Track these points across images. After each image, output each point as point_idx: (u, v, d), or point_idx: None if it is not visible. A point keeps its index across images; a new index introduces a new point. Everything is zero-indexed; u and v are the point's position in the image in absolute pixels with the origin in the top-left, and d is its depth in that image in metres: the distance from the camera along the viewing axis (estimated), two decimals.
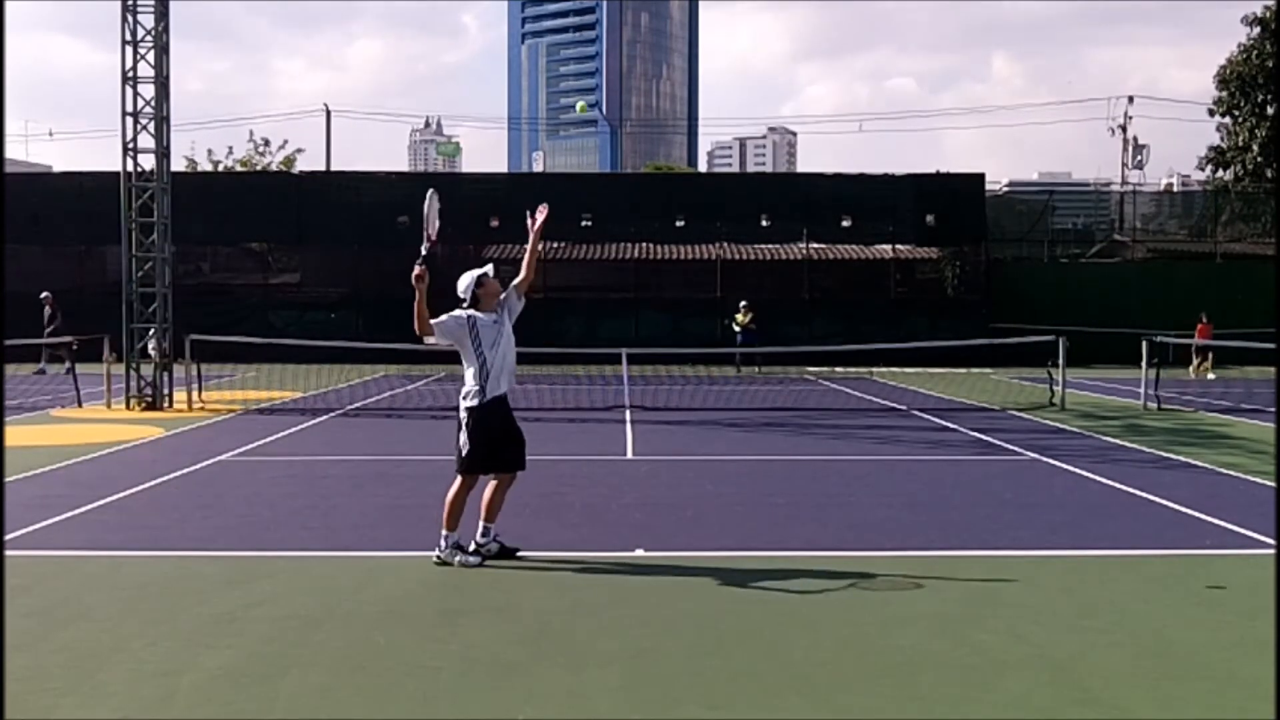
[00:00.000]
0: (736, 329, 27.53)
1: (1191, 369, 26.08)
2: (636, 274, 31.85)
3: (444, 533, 7.18)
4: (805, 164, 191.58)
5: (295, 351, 23.80)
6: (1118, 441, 13.72)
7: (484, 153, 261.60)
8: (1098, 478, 10.79)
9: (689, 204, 33.08)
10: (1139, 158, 55.46)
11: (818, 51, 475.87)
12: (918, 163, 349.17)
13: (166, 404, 17.58)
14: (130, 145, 17.46)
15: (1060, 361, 18.62)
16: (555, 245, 32.38)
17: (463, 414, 7.15)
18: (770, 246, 32.65)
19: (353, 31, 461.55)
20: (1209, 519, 8.77)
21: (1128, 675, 5.15)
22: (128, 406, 17.14)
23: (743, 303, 27.65)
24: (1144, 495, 9.83)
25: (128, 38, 17.19)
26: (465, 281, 7.33)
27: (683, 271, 32.39)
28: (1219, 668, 5.29)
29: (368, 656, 5.36)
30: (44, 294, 25.39)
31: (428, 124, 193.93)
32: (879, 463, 12.17)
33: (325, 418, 16.25)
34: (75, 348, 18.13)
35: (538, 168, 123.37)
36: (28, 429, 14.60)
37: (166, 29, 17.26)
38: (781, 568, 7.19)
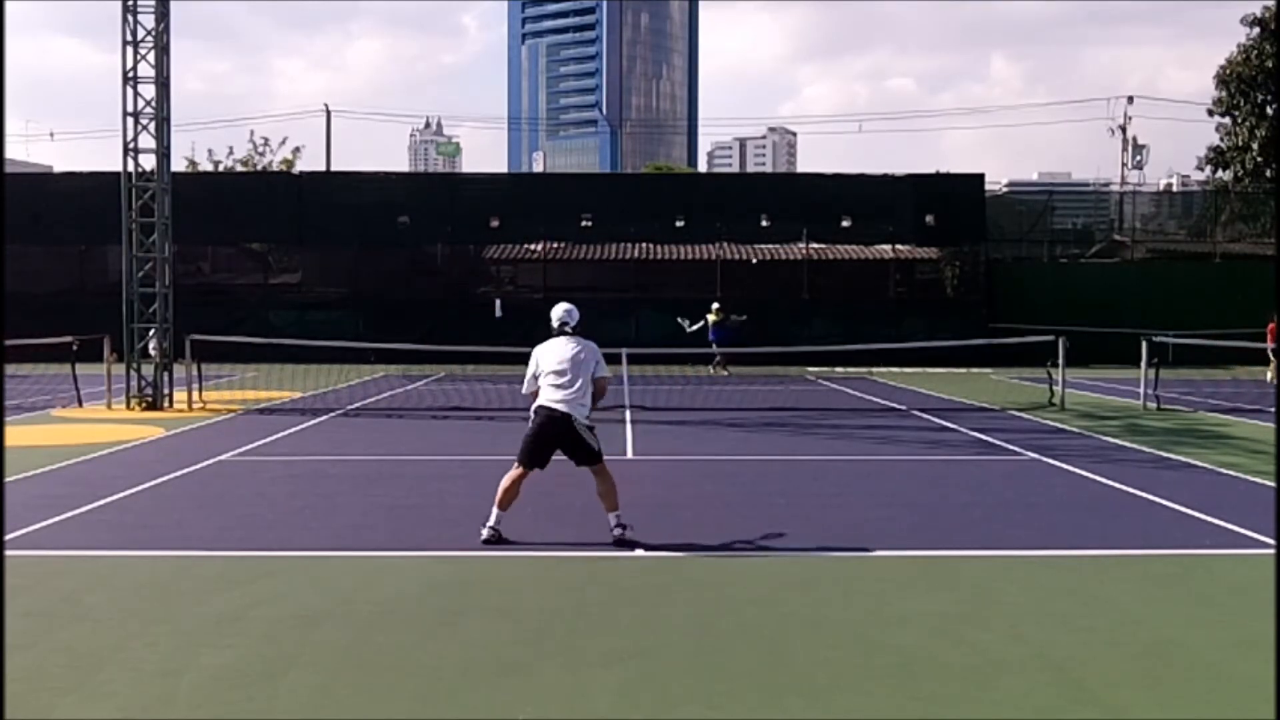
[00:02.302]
0: (711, 322, 26.81)
1: (1269, 372, 25.51)
2: (636, 274, 31.87)
3: None
4: (805, 164, 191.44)
5: (295, 351, 23.80)
6: (1118, 441, 13.73)
7: (484, 153, 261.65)
8: (1098, 478, 10.79)
9: (689, 204, 33.08)
10: (1138, 158, 55.49)
11: (817, 52, 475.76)
12: (917, 163, 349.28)
13: (167, 404, 17.58)
14: (131, 145, 17.46)
15: (1060, 361, 18.62)
16: (555, 245, 32.41)
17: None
18: (770, 246, 32.66)
19: (352, 32, 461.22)
20: (1209, 519, 8.77)
21: (1128, 675, 5.15)
22: (128, 406, 17.14)
23: (714, 304, 27.44)
24: (1144, 495, 9.83)
25: (128, 38, 17.20)
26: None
27: (683, 271, 32.40)
28: (1219, 668, 5.29)
29: (368, 656, 5.36)
30: None
31: (428, 124, 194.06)
32: (879, 463, 12.17)
33: (325, 418, 16.25)
34: (76, 348, 18.12)
35: (538, 168, 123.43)
36: (28, 429, 14.61)
37: (167, 29, 17.26)
38: (782, 568, 7.19)
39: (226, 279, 32.44)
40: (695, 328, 26.76)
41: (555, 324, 8.24)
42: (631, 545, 7.59)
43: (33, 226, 29.58)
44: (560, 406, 7.77)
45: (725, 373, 26.68)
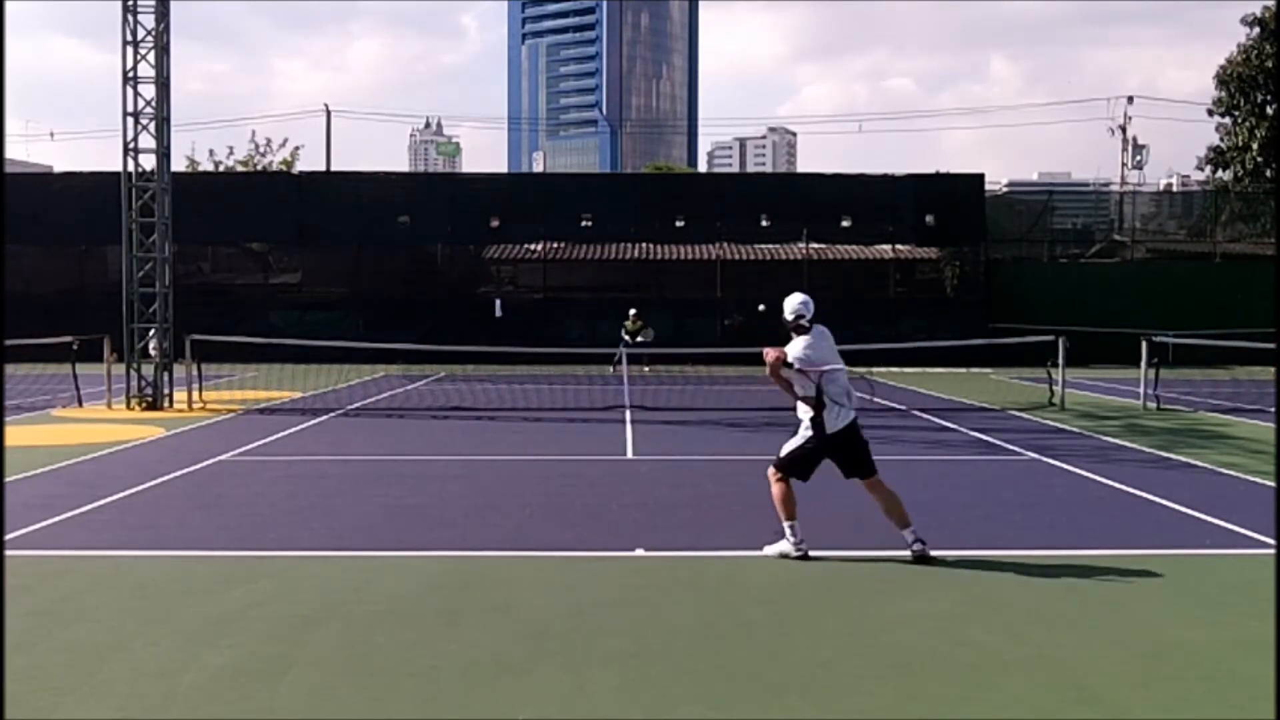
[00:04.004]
0: (627, 337, 26.63)
1: None
2: (636, 274, 31.86)
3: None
4: (805, 164, 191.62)
5: (295, 351, 23.80)
6: (1118, 441, 13.72)
7: (484, 153, 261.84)
8: (1098, 478, 10.79)
9: (689, 204, 33.07)
10: (1138, 158, 55.48)
11: (817, 52, 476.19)
12: (917, 163, 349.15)
13: (167, 404, 17.58)
14: (131, 145, 17.47)
15: (1060, 361, 18.62)
16: (555, 245, 32.41)
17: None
18: (770, 246, 32.67)
19: (352, 32, 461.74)
20: (1209, 519, 8.77)
21: (1128, 675, 5.15)
22: (128, 406, 17.14)
23: (632, 310, 27.30)
24: (1144, 495, 9.83)
25: (128, 38, 17.20)
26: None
27: (683, 271, 32.40)
28: (1219, 668, 5.29)
29: (368, 656, 5.36)
30: None
31: (428, 124, 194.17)
32: (879, 463, 12.12)
33: (326, 418, 16.25)
34: (76, 348, 18.12)
35: (538, 168, 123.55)
36: (28, 429, 14.61)
37: (167, 29, 17.26)
38: (782, 568, 7.19)
39: (226, 279, 32.41)
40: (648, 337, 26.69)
41: (793, 317, 7.37)
42: (928, 560, 7.22)
43: (33, 226, 29.56)
44: (851, 418, 7.44)
45: (640, 370, 26.45)
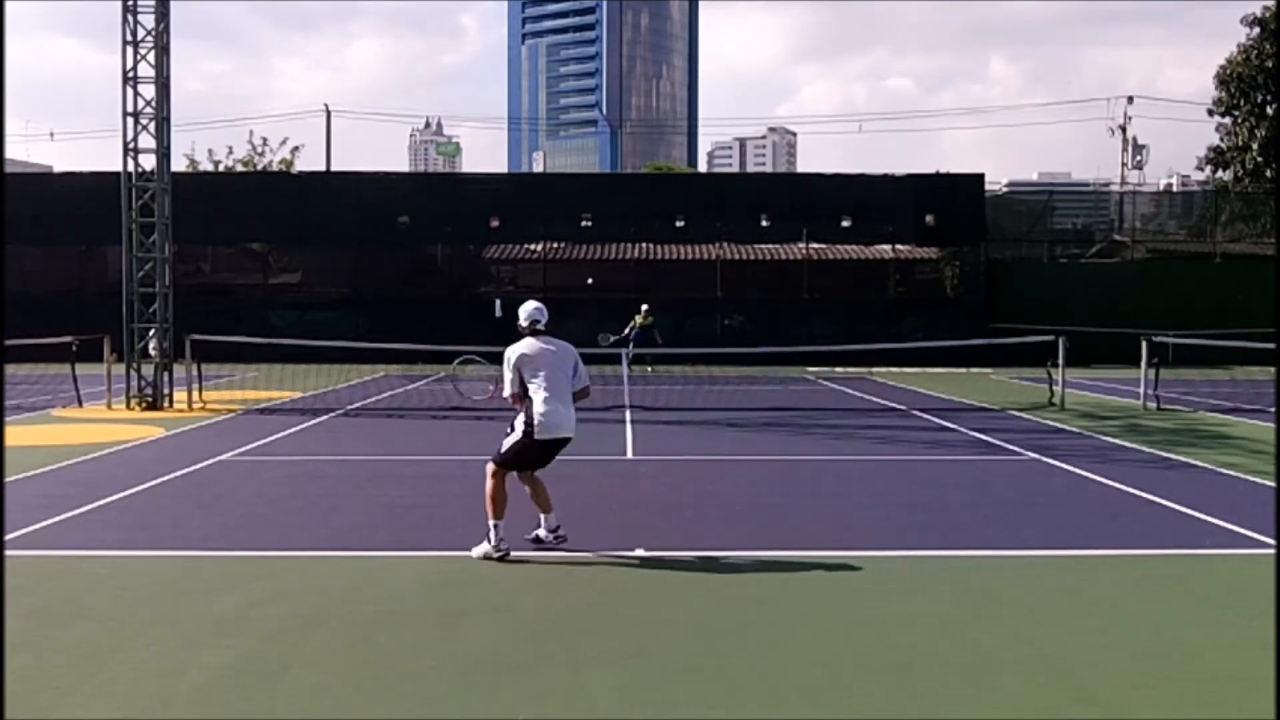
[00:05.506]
0: (636, 330, 26.90)
1: None
2: (636, 274, 31.86)
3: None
4: (805, 164, 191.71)
5: (295, 351, 23.79)
6: (1118, 441, 13.72)
7: (484, 153, 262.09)
8: (1098, 478, 10.79)
9: (689, 204, 33.06)
10: (1138, 158, 55.47)
11: (816, 52, 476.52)
12: (917, 163, 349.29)
13: (167, 404, 17.58)
14: (131, 145, 17.46)
15: (1060, 361, 18.62)
16: (555, 245, 32.41)
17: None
18: (770, 246, 32.67)
19: (352, 32, 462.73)
20: (1209, 519, 8.77)
21: (1128, 675, 5.15)
22: (128, 406, 17.14)
23: (644, 306, 27.36)
24: (1144, 495, 9.83)
25: (128, 38, 17.20)
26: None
27: (683, 271, 32.40)
28: (1219, 668, 5.29)
29: (368, 656, 5.36)
30: None
31: (428, 124, 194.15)
32: (879, 463, 12.17)
33: (325, 418, 16.25)
34: (76, 348, 18.12)
35: (538, 168, 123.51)
36: (28, 429, 14.60)
37: (167, 29, 17.26)
38: (781, 568, 7.19)
39: (226, 279, 32.40)
40: (618, 337, 26.57)
41: (527, 322, 7.57)
42: (551, 548, 7.52)
43: (33, 226, 29.55)
44: (567, 432, 7.43)
45: (649, 369, 26.72)
